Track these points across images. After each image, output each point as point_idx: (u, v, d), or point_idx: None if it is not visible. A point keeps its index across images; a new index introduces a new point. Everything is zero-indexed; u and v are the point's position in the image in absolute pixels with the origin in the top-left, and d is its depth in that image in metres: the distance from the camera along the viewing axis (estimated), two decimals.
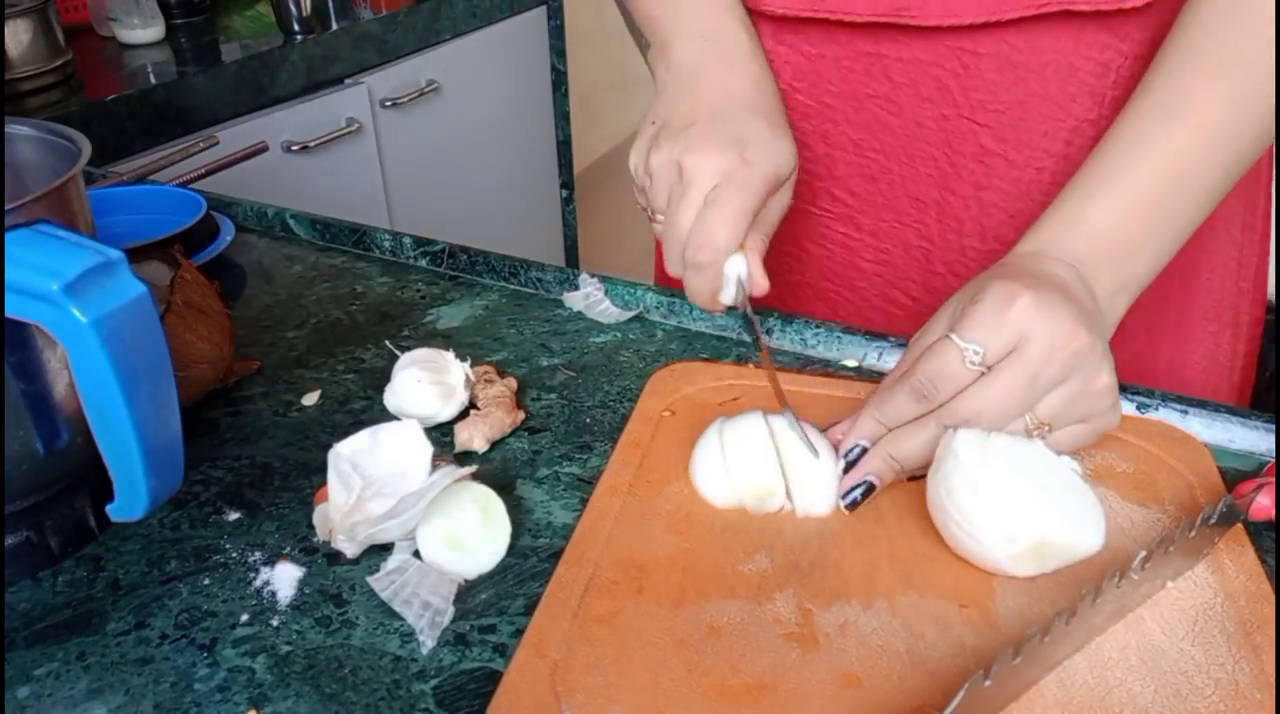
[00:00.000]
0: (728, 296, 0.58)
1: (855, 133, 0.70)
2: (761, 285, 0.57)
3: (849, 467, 0.52)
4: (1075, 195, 0.56)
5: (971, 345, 0.50)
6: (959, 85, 0.65)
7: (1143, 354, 0.72)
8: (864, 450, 0.52)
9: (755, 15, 0.69)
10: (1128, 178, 0.55)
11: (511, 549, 0.50)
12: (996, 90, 0.65)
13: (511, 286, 0.74)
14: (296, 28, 1.50)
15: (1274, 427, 0.56)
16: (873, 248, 0.73)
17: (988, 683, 0.37)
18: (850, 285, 0.76)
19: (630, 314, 0.70)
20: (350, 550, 0.49)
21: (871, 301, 0.75)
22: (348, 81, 1.57)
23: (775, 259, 0.73)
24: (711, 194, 0.56)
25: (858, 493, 0.51)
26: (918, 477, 0.51)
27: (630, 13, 0.70)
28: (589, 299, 0.71)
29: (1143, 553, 0.43)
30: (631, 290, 0.70)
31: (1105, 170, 0.56)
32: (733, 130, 0.59)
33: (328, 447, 0.50)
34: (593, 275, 0.72)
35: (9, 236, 0.40)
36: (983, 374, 0.50)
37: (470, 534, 0.49)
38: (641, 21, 0.69)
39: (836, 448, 0.53)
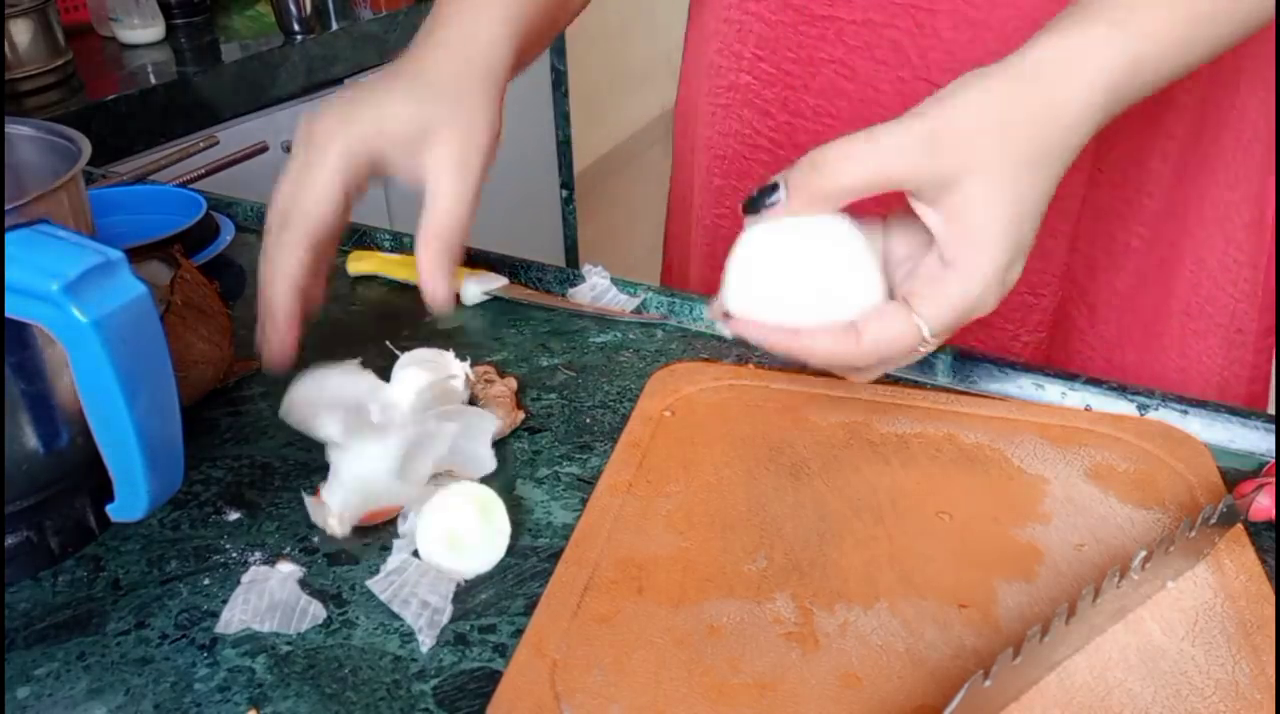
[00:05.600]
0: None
1: (813, 99, 0.68)
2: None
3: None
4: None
5: (925, 325, 0.46)
6: (914, 46, 0.62)
7: (1113, 342, 0.70)
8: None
9: None
10: None
11: (511, 549, 0.50)
12: (954, 49, 0.61)
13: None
14: (296, 28, 1.50)
15: (1274, 427, 0.55)
16: None
17: (988, 683, 0.37)
18: None
19: (637, 301, 0.70)
20: (340, 530, 0.50)
21: None
22: (347, 82, 1.57)
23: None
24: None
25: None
26: None
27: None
28: (596, 290, 0.71)
29: (1143, 553, 0.42)
30: (632, 290, 0.71)
31: None
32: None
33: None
34: (595, 265, 0.72)
35: (9, 236, 0.40)
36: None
37: (470, 534, 0.49)
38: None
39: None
